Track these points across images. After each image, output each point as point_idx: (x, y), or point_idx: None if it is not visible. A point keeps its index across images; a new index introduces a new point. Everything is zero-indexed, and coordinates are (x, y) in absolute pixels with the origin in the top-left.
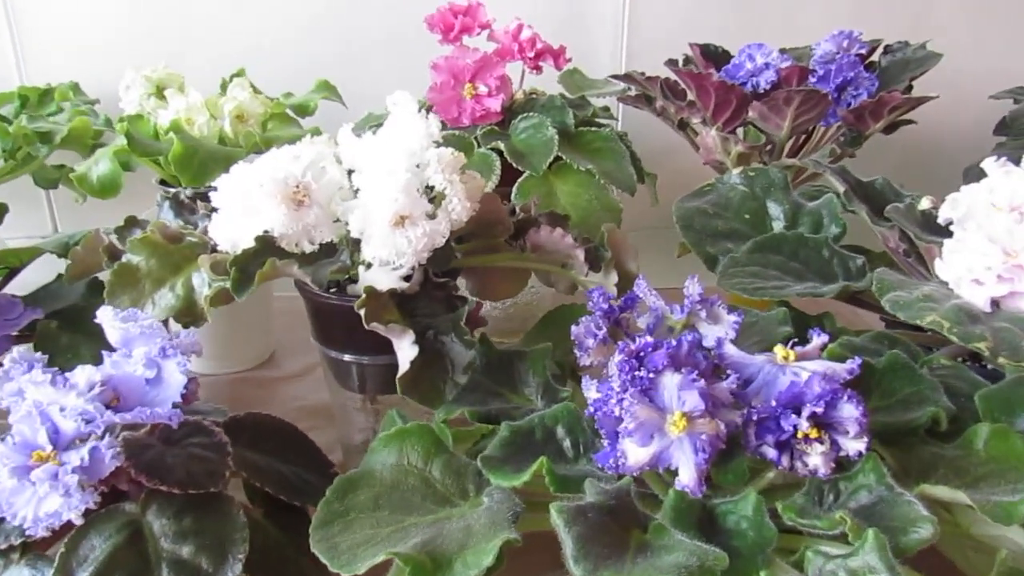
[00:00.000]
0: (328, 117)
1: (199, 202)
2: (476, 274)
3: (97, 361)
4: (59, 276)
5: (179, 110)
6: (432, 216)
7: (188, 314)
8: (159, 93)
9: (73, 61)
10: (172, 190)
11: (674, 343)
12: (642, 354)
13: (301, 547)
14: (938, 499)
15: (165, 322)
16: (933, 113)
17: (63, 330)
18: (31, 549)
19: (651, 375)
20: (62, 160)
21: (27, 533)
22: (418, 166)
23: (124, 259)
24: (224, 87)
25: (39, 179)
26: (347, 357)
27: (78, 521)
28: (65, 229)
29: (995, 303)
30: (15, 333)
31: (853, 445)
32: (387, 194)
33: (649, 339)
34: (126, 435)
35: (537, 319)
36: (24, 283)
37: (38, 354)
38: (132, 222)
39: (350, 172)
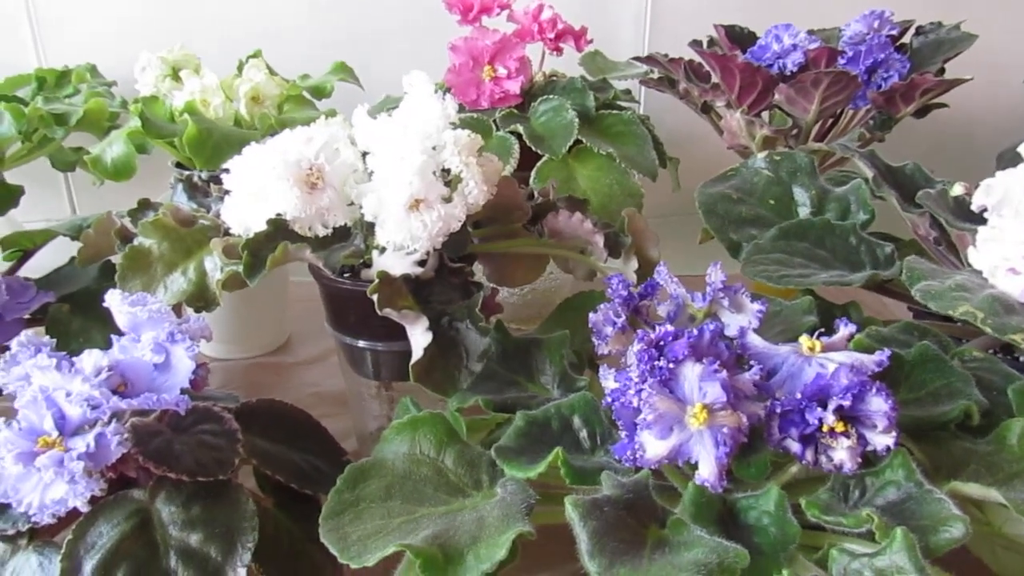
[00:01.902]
0: (345, 99)
1: (212, 185)
2: (493, 260)
3: (108, 346)
4: (72, 259)
5: (194, 92)
6: (448, 200)
7: (200, 299)
8: (175, 75)
9: (91, 43)
10: (186, 173)
11: (695, 332)
12: (662, 343)
13: (312, 536)
14: (969, 497)
15: (179, 306)
16: (966, 96)
17: (75, 314)
18: (39, 535)
19: (671, 365)
20: (81, 143)
21: (33, 520)
22: (434, 148)
23: (136, 242)
24: (241, 68)
25: (56, 162)
26: (361, 343)
27: (84, 508)
28: (84, 212)
29: None
30: (27, 316)
31: (881, 440)
32: (402, 177)
33: (669, 328)
34: (135, 421)
35: (556, 306)
36: (41, 266)
37: (46, 338)
38: (145, 204)
39: (364, 154)
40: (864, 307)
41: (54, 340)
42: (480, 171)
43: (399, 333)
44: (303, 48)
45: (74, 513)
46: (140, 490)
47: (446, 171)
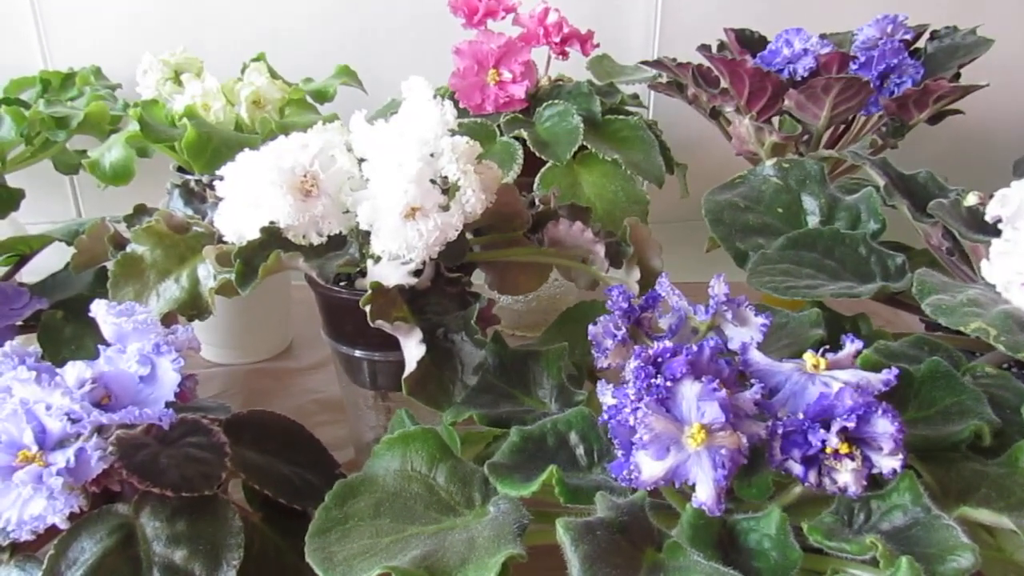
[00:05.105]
0: (349, 103)
1: (208, 190)
2: (495, 267)
3: (100, 354)
4: (68, 265)
5: (195, 95)
6: (445, 208)
7: (193, 307)
8: (176, 78)
9: (97, 45)
10: (184, 177)
11: (695, 349)
12: (660, 360)
13: (301, 552)
14: (979, 522)
15: (173, 314)
16: (982, 102)
17: (68, 321)
18: (21, 550)
19: (668, 383)
20: (87, 145)
21: (11, 536)
22: (432, 155)
23: (128, 249)
24: (244, 71)
25: (59, 164)
26: (358, 352)
27: (63, 525)
28: (89, 215)
29: None
30: (19, 323)
31: (887, 462)
32: (398, 184)
33: (668, 344)
34: (120, 434)
35: (561, 313)
36: (43, 270)
37: (32, 348)
38: (141, 210)
39: (361, 161)
40: (876, 318)
41: (40, 350)
42: (478, 179)
43: (396, 342)
44: (308, 51)
45: (58, 527)
46: (125, 504)
47: (444, 179)
